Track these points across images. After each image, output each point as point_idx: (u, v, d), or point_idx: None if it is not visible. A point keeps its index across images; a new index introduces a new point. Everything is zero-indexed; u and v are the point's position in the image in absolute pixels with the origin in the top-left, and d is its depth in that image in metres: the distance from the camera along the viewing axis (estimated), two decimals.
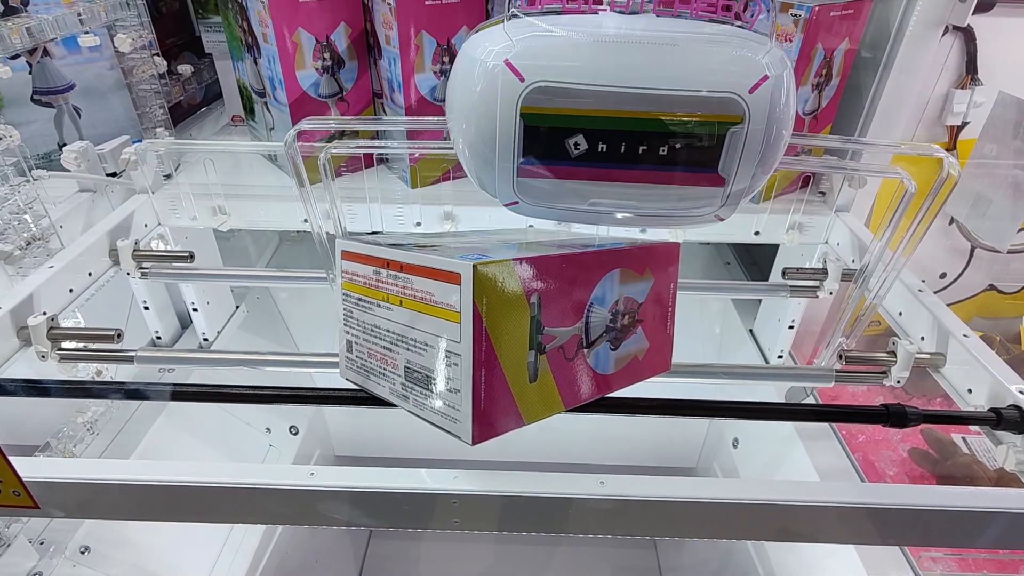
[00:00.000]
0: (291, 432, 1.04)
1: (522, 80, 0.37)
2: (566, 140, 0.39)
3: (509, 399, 0.39)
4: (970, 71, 0.79)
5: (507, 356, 0.38)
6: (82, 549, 0.67)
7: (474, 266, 0.35)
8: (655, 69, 0.37)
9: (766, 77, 0.37)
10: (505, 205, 0.43)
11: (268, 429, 1.01)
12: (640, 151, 0.39)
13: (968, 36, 0.77)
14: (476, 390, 0.38)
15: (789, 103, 0.38)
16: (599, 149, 0.39)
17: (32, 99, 0.82)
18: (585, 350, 0.43)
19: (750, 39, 0.38)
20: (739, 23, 0.39)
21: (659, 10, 0.39)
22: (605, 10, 0.40)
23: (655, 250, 0.47)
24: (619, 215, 0.43)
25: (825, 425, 0.83)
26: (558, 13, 0.40)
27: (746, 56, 0.37)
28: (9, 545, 0.61)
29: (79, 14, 0.75)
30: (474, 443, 0.39)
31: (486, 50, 0.38)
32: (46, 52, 0.81)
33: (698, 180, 0.40)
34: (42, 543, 0.66)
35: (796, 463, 0.80)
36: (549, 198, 0.42)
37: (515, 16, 0.40)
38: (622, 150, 0.39)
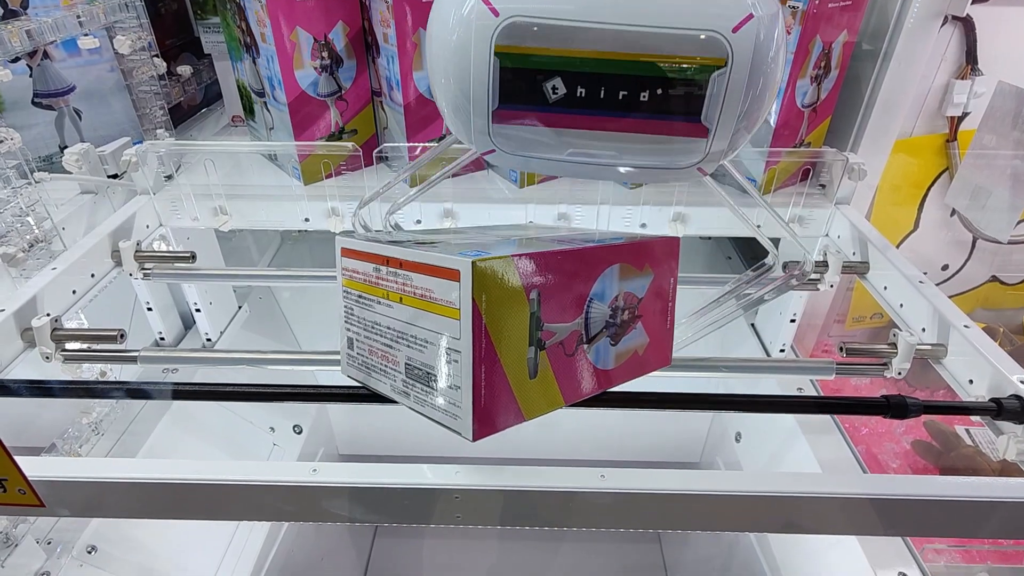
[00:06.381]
0: (295, 431, 1.05)
1: (496, 15, 0.36)
2: (543, 83, 0.38)
3: (509, 395, 0.39)
4: (970, 61, 0.79)
5: (507, 352, 0.38)
6: (89, 549, 0.67)
7: (473, 263, 0.35)
8: (634, 4, 0.35)
9: (751, 16, 0.35)
10: (482, 155, 0.42)
11: (272, 428, 1.01)
12: (620, 96, 0.37)
13: (968, 26, 0.77)
14: (476, 386, 0.38)
15: (778, 48, 0.36)
16: (578, 94, 0.38)
17: (33, 102, 0.83)
18: (585, 345, 0.43)
19: None
20: None
21: None
22: None
23: (655, 245, 0.47)
24: (599, 166, 0.41)
25: (828, 419, 0.83)
26: None
27: None
28: (17, 545, 0.62)
29: (78, 16, 0.75)
30: (475, 439, 0.39)
31: None
32: (46, 55, 0.81)
33: (680, 130, 0.38)
34: (49, 543, 0.66)
35: (799, 457, 0.80)
36: (526, 147, 0.40)
37: None
38: (601, 95, 0.37)
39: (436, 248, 0.40)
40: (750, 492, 0.40)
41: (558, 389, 0.42)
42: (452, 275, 0.36)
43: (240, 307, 1.04)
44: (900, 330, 0.58)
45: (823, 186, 0.80)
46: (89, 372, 0.73)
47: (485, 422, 0.39)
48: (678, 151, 0.39)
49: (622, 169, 0.41)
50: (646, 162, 0.41)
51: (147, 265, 0.70)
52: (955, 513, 0.41)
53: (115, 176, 0.79)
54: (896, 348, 0.57)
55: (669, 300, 0.49)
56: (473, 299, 0.36)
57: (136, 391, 0.47)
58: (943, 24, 0.75)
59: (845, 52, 0.75)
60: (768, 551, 0.86)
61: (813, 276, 0.71)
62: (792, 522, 0.43)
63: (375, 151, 0.80)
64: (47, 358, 0.56)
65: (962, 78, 0.80)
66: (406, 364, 0.42)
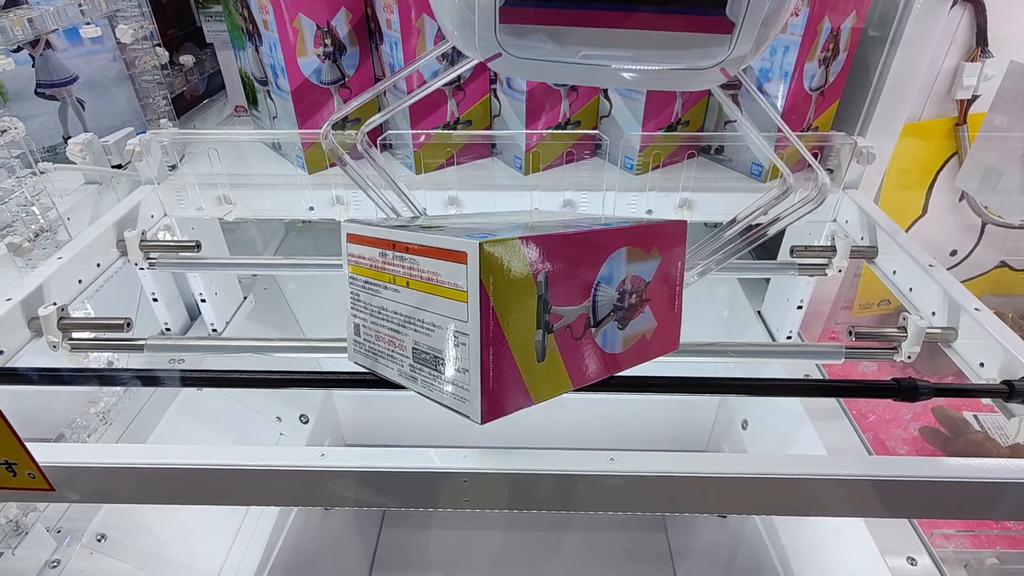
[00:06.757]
0: (301, 421, 1.05)
1: None
2: None
3: (517, 378, 0.39)
4: (980, 43, 0.78)
5: (515, 335, 0.38)
6: (99, 537, 0.68)
7: (480, 244, 0.35)
8: None
9: None
10: (486, 61, 0.39)
11: (279, 418, 1.01)
12: None
13: (978, 7, 0.76)
14: (484, 369, 0.37)
15: None
16: None
17: (36, 92, 0.82)
18: (593, 329, 0.42)
19: None
20: None
21: None
22: None
23: (662, 228, 0.46)
24: (613, 70, 0.38)
25: (835, 405, 0.82)
26: None
27: None
28: (27, 533, 0.62)
29: (80, 5, 0.75)
30: (483, 422, 0.38)
31: None
32: (48, 45, 0.81)
33: (703, 25, 0.35)
34: (59, 531, 0.67)
35: (806, 443, 0.80)
36: (535, 50, 0.38)
37: None
38: None
39: (442, 232, 0.39)
40: (758, 474, 0.40)
41: (566, 372, 0.42)
42: (459, 257, 0.36)
43: (245, 298, 1.04)
44: (910, 314, 0.57)
45: (831, 170, 0.79)
46: (96, 361, 0.73)
47: (494, 405, 0.38)
48: (700, 51, 0.36)
49: (638, 73, 0.38)
50: (665, 63, 0.37)
51: (152, 254, 0.70)
52: (962, 495, 0.41)
53: (119, 166, 0.78)
54: (906, 332, 0.56)
55: (677, 284, 0.48)
56: (480, 281, 0.35)
57: (144, 377, 0.47)
58: (952, 5, 0.74)
59: (853, 35, 0.74)
60: (775, 538, 0.86)
61: (820, 261, 0.71)
62: (800, 504, 0.43)
63: (379, 139, 0.80)
64: (54, 347, 0.57)
65: (972, 60, 0.79)
66: (413, 349, 0.42)
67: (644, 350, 0.47)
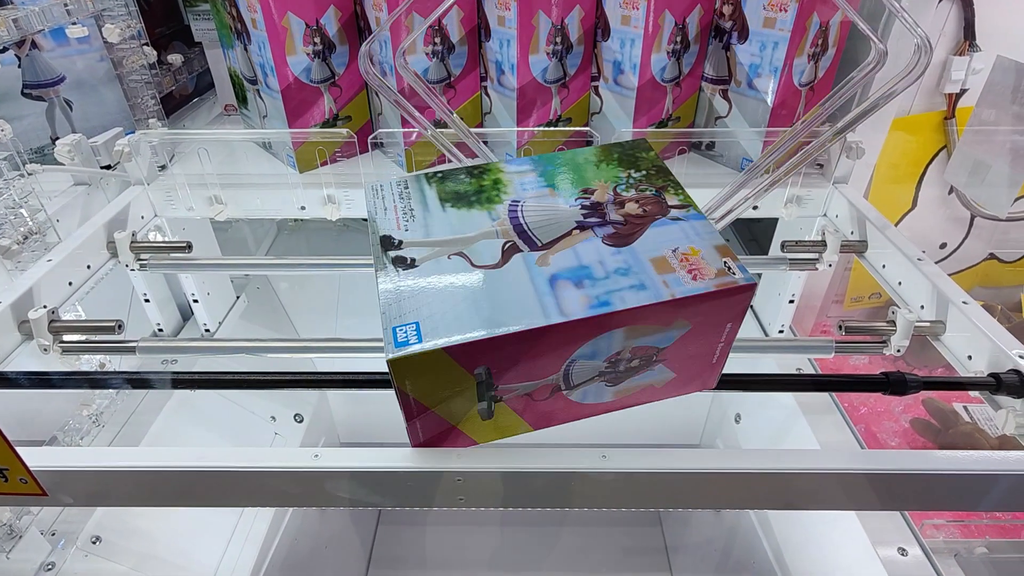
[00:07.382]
0: (296, 420, 1.05)
1: None
2: None
3: (454, 432, 0.40)
4: (968, 37, 0.79)
5: (447, 410, 0.38)
6: (93, 539, 0.68)
7: (389, 361, 0.33)
8: None
9: None
10: None
11: (273, 418, 1.01)
12: None
13: (965, 1, 0.76)
14: (412, 432, 0.39)
15: None
16: None
17: (22, 93, 0.82)
18: (564, 392, 0.40)
19: None
20: None
21: None
22: None
23: (702, 300, 0.37)
24: None
25: (827, 398, 0.83)
26: None
27: None
28: (21, 537, 0.62)
29: (66, 4, 0.74)
30: None
31: None
32: (34, 45, 0.80)
33: None
34: (53, 534, 0.66)
35: (798, 436, 0.80)
36: None
37: None
38: None
39: (404, 277, 0.37)
40: (751, 470, 0.40)
41: (523, 421, 0.41)
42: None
43: (238, 297, 1.03)
44: (899, 308, 0.58)
45: (820, 166, 0.80)
46: (88, 364, 0.73)
47: (427, 447, 0.40)
48: None
49: None
50: None
51: (143, 256, 0.70)
52: (952, 487, 0.41)
53: (108, 167, 0.78)
54: (895, 325, 0.57)
55: (721, 341, 0.41)
56: (396, 385, 0.35)
57: (137, 380, 0.47)
58: (940, 0, 0.75)
59: (842, 29, 0.75)
60: (769, 531, 0.86)
61: (811, 255, 0.71)
62: (793, 498, 0.43)
63: (370, 137, 0.80)
64: (45, 350, 0.56)
65: (960, 54, 0.80)
66: None
67: (654, 393, 0.44)
